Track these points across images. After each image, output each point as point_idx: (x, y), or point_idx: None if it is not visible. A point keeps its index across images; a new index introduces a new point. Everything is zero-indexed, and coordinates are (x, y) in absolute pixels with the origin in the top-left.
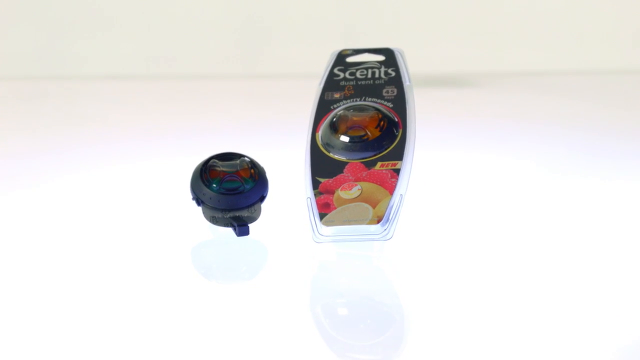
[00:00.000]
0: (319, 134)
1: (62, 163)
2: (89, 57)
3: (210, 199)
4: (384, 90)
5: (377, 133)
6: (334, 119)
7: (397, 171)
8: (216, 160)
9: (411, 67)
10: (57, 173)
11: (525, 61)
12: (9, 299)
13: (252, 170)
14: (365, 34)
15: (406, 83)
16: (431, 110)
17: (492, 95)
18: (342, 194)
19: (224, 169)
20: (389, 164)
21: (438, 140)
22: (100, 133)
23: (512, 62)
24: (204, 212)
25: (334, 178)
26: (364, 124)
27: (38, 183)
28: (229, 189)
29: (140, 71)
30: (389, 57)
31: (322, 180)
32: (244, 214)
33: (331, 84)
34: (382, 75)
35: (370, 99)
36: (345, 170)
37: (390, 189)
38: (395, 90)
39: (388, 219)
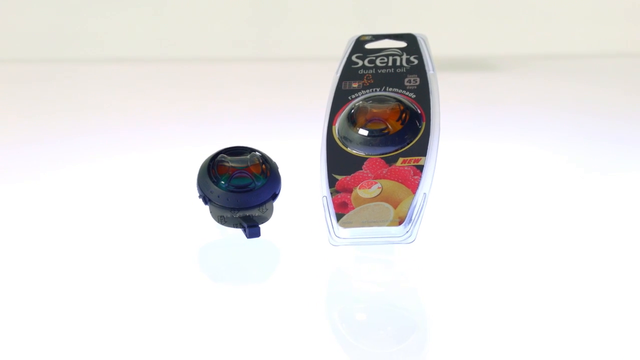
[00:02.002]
0: (336, 126)
1: (59, 153)
2: (93, 39)
3: (219, 197)
4: (406, 80)
5: (398, 126)
6: (352, 111)
7: (420, 168)
8: (225, 155)
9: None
10: (53, 165)
11: (553, 42)
12: (13, 298)
13: (263, 166)
14: (384, 14)
15: (430, 72)
16: (452, 97)
17: (518, 80)
18: (360, 192)
19: (233, 165)
20: (412, 160)
21: (461, 130)
22: (100, 120)
23: (539, 44)
24: (211, 211)
25: (351, 175)
26: (385, 117)
27: (36, 175)
28: (239, 186)
29: (143, 54)
30: (412, 43)
31: (339, 177)
32: (255, 213)
33: (349, 72)
34: (404, 63)
35: (391, 89)
36: (364, 166)
37: (413, 188)
38: (418, 80)
39: (410, 220)
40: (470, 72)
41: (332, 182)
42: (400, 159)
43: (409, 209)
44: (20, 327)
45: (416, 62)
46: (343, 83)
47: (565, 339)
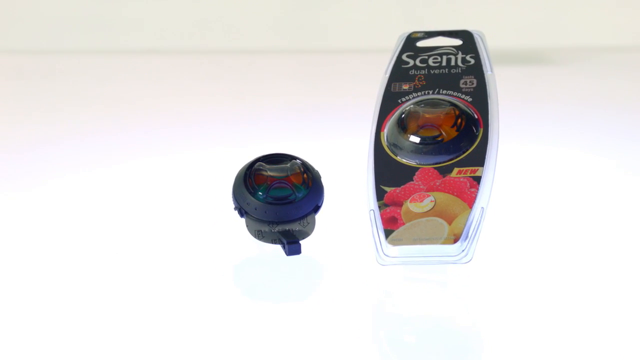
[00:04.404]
0: (385, 133)
1: (78, 155)
2: (124, 29)
3: (256, 209)
4: (462, 81)
5: (453, 133)
6: (403, 116)
7: (478, 179)
8: (263, 163)
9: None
10: (74, 167)
11: (614, 34)
12: (34, 303)
13: (304, 175)
14: (430, 4)
15: (487, 72)
16: (504, 94)
17: (578, 75)
18: (411, 206)
19: (271, 174)
20: (468, 171)
21: (517, 132)
22: (128, 117)
23: (599, 35)
24: (247, 225)
25: (402, 187)
26: (438, 122)
27: (61, 174)
28: (278, 198)
29: (170, 45)
30: (467, 41)
31: (387, 189)
32: (295, 227)
33: (399, 73)
34: (459, 63)
35: (445, 92)
36: (415, 177)
37: (470, 201)
38: (474, 81)
39: (467, 237)
40: (524, 66)
41: (380, 194)
42: (456, 170)
43: (465, 225)
44: (46, 338)
45: (473, 61)
46: (392, 85)
47: None
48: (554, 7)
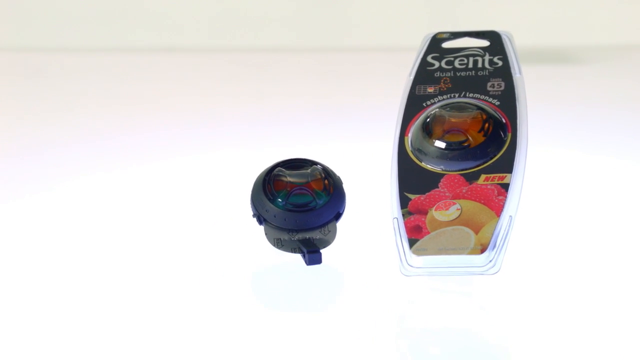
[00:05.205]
0: (409, 137)
1: (96, 155)
2: (140, 28)
3: (275, 216)
4: (489, 84)
5: (480, 138)
6: (428, 120)
7: (506, 186)
8: (282, 169)
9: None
10: (91, 168)
11: None
12: (52, 308)
13: (326, 181)
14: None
15: (516, 74)
16: (534, 95)
17: (607, 75)
18: (436, 214)
19: (291, 180)
20: (496, 177)
21: (548, 135)
22: (142, 118)
23: (628, 33)
24: (266, 233)
25: (426, 194)
26: (465, 127)
27: (75, 176)
28: (298, 205)
29: (192, 42)
30: (495, 42)
31: (412, 196)
32: (316, 235)
33: (424, 75)
34: (487, 64)
35: (471, 95)
36: (440, 184)
37: (497, 210)
38: (502, 84)
39: (494, 247)
40: (551, 66)
41: (404, 201)
42: (483, 176)
43: (492, 234)
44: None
45: (500, 63)
46: (417, 87)
47: None
48: (581, 3)
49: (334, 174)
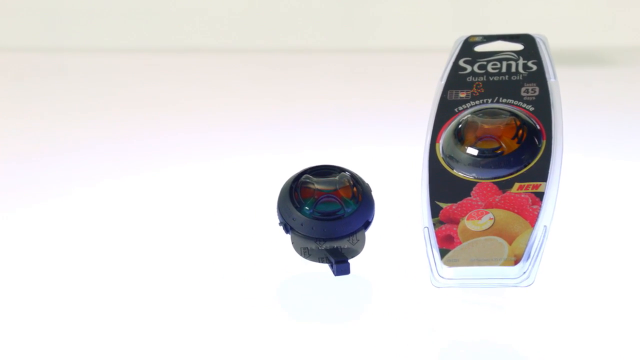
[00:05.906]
0: (440, 144)
1: (116, 159)
2: (164, 28)
3: (302, 225)
4: (523, 89)
5: (514, 145)
6: (460, 126)
7: (540, 195)
8: (310, 176)
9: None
10: (111, 171)
11: None
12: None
13: (354, 189)
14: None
15: (551, 79)
16: (569, 100)
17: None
18: (468, 224)
19: (319, 187)
20: (530, 186)
21: (583, 142)
22: (166, 120)
23: None
24: (293, 242)
25: (458, 203)
26: (498, 133)
27: (95, 179)
28: (325, 213)
29: (216, 43)
30: (529, 45)
31: (443, 205)
32: (344, 244)
33: (455, 79)
34: (521, 69)
35: (505, 100)
36: (473, 192)
37: (532, 219)
38: (537, 89)
39: (528, 258)
40: (583, 67)
41: (435, 210)
42: (516, 185)
43: (526, 245)
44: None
45: (535, 68)
46: (449, 92)
47: None
48: (614, 4)
49: (363, 181)
